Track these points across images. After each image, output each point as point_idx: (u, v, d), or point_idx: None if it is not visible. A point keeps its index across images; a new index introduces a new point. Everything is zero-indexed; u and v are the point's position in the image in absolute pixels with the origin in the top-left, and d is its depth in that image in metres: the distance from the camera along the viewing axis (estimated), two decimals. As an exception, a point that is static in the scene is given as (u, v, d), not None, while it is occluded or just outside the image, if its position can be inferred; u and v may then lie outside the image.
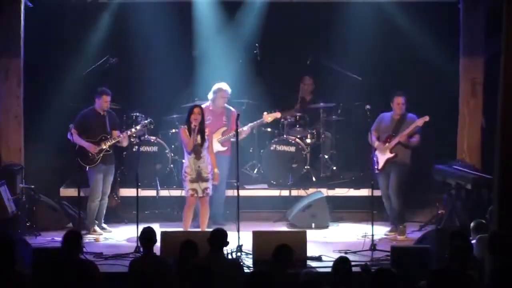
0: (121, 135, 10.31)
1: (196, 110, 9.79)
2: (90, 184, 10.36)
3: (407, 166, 10.27)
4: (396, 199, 10.26)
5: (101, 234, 10.36)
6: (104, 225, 10.61)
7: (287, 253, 7.09)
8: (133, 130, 10.41)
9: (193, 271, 6.52)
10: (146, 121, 10.58)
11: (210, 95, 10.82)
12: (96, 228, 10.42)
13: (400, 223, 10.32)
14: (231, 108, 10.93)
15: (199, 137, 9.77)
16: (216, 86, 10.78)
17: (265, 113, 11.06)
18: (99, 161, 10.28)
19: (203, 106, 10.96)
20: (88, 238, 10.16)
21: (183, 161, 10.01)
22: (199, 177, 9.80)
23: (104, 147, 10.26)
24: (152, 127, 10.67)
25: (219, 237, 7.41)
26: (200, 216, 9.98)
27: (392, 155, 10.18)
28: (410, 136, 10.20)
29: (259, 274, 6.53)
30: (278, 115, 11.19)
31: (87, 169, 10.29)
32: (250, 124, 10.95)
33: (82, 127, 10.28)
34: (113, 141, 10.30)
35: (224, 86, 10.78)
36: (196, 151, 9.77)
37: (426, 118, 10.11)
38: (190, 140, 9.75)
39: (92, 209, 10.40)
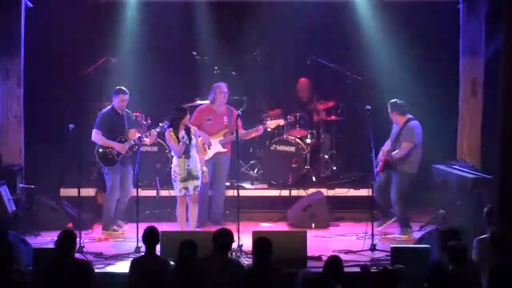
0: (146, 136, 10.27)
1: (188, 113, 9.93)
2: (108, 185, 10.37)
3: (407, 174, 10.26)
4: (397, 206, 10.29)
5: (122, 233, 10.38)
6: (120, 222, 10.58)
7: (267, 246, 7.07)
8: (157, 130, 10.32)
9: (191, 273, 6.52)
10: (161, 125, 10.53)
11: (210, 95, 10.88)
12: (116, 227, 10.43)
13: (404, 227, 10.32)
14: (232, 108, 10.95)
15: (186, 137, 9.80)
16: (214, 85, 10.88)
17: (268, 119, 11.21)
18: (118, 162, 10.30)
19: (202, 106, 11.01)
20: (106, 235, 10.28)
21: (172, 160, 10.01)
22: (189, 176, 9.84)
23: (127, 147, 10.30)
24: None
25: (224, 238, 7.41)
26: (190, 215, 9.98)
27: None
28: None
29: (249, 272, 6.57)
30: (281, 122, 11.30)
31: (106, 170, 10.33)
32: (261, 125, 11.00)
33: (105, 127, 10.32)
34: (133, 143, 10.28)
35: (222, 83, 10.88)
36: (186, 151, 9.80)
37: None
38: (178, 146, 9.81)
39: (110, 210, 10.41)
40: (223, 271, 7.06)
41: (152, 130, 10.36)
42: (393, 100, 10.39)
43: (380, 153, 10.37)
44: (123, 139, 10.32)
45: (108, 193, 10.42)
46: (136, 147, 10.17)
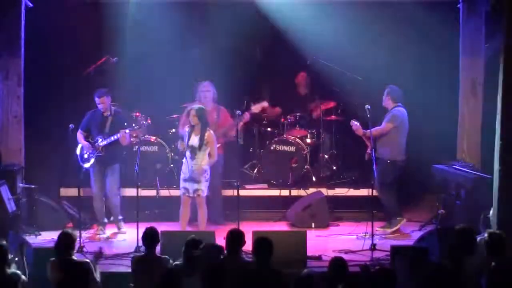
0: (117, 135, 10.29)
1: (191, 112, 9.93)
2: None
3: (389, 162, 10.29)
4: (380, 195, 10.32)
5: (104, 234, 10.43)
6: (120, 223, 10.60)
7: (267, 246, 7.07)
8: (126, 131, 10.31)
9: (206, 271, 6.52)
10: (136, 127, 10.48)
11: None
12: (101, 229, 10.47)
13: (393, 217, 10.35)
14: (220, 107, 10.94)
15: (196, 139, 9.80)
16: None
17: (252, 104, 11.07)
18: (92, 162, 10.35)
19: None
20: (98, 236, 10.35)
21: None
22: (191, 178, 9.83)
23: (98, 148, 10.31)
24: (142, 128, 10.66)
25: (236, 238, 7.41)
26: (199, 217, 9.98)
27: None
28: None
29: (249, 272, 6.58)
30: (265, 104, 11.14)
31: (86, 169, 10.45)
32: (246, 112, 10.92)
33: (84, 127, 10.51)
34: (105, 142, 10.31)
35: (205, 82, 10.94)
36: (192, 152, 9.81)
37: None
38: (182, 142, 9.92)
39: (95, 208, 10.54)
40: (238, 271, 7.03)
41: (122, 130, 10.30)
42: (393, 85, 10.53)
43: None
44: (98, 139, 10.40)
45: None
46: (137, 147, 10.19)
